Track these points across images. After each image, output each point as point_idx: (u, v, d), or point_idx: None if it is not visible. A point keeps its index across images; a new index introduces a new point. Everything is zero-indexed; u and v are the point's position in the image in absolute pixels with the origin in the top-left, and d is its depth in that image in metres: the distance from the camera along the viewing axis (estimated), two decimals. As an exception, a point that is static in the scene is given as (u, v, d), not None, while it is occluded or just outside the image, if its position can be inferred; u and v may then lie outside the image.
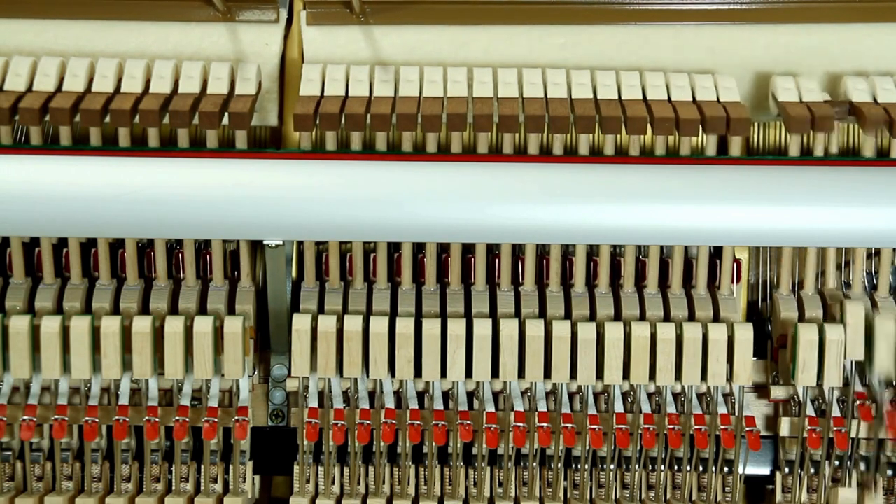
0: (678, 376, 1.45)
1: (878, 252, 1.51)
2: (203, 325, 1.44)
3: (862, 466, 1.50)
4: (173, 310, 1.49)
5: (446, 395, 1.49)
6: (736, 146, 1.45)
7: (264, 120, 1.54)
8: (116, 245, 1.50)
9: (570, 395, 1.49)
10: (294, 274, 1.52)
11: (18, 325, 1.44)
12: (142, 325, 1.44)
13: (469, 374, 1.45)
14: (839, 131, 1.50)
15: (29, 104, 1.42)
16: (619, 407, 1.48)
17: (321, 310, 1.49)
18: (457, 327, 1.45)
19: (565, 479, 1.53)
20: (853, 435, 1.47)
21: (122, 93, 1.45)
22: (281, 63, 1.54)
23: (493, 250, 1.51)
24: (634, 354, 1.45)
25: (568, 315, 1.48)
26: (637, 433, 1.48)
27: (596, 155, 1.46)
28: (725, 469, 1.52)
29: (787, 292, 1.52)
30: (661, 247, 1.49)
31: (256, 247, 1.50)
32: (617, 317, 1.49)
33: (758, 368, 1.53)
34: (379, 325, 1.45)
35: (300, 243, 1.51)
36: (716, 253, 1.50)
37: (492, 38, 1.52)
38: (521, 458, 1.52)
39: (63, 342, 1.44)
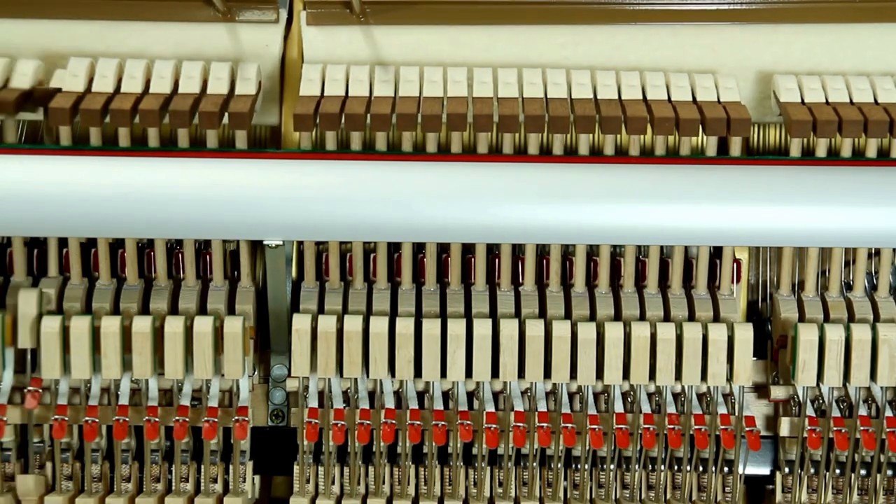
0: (678, 376, 1.45)
1: (878, 252, 1.51)
2: (203, 325, 1.44)
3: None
4: (173, 310, 1.49)
5: (446, 395, 1.49)
6: (736, 146, 1.45)
7: (264, 120, 1.54)
8: (116, 245, 1.50)
9: (570, 395, 1.49)
10: (294, 274, 1.52)
11: (18, 325, 1.44)
12: (142, 325, 1.44)
13: (469, 374, 1.45)
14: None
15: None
16: (619, 407, 1.48)
17: (321, 310, 1.49)
18: (457, 327, 1.45)
19: (565, 479, 1.53)
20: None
21: (122, 93, 1.45)
22: (281, 63, 1.54)
23: (493, 250, 1.51)
24: (634, 354, 1.45)
25: (568, 315, 1.48)
26: (637, 433, 1.48)
27: (596, 155, 1.46)
28: (725, 469, 1.52)
29: (788, 292, 1.52)
30: (661, 247, 1.50)
31: (256, 247, 1.50)
32: (617, 317, 1.49)
33: (758, 368, 1.53)
34: (379, 325, 1.45)
35: (300, 243, 1.51)
36: (716, 253, 1.50)
37: (492, 38, 1.52)
38: (521, 458, 1.52)
39: (63, 342, 1.44)
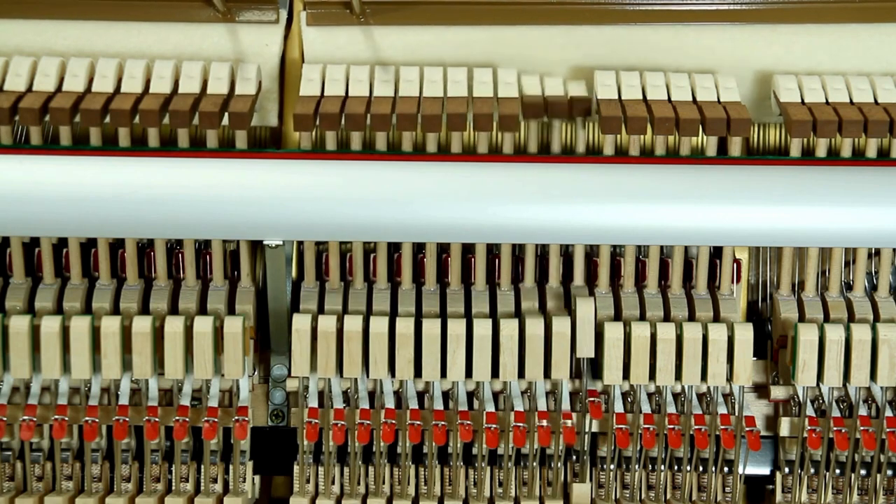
0: (678, 376, 1.45)
1: (878, 252, 1.51)
2: (203, 325, 1.44)
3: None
4: (173, 310, 1.49)
5: (446, 395, 1.49)
6: (736, 146, 1.45)
7: (264, 120, 1.54)
8: (116, 245, 1.50)
9: (571, 395, 1.49)
10: (294, 274, 1.52)
11: (18, 325, 1.44)
12: (142, 325, 1.44)
13: (469, 374, 1.45)
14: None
15: (29, 104, 1.42)
16: (619, 407, 1.48)
17: (321, 310, 1.49)
18: (457, 327, 1.45)
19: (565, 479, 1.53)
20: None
21: (122, 93, 1.45)
22: (281, 63, 1.54)
23: (493, 250, 1.51)
24: (634, 354, 1.45)
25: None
26: (637, 433, 1.48)
27: (596, 155, 1.46)
28: (725, 469, 1.52)
29: (788, 292, 1.52)
30: (661, 247, 1.50)
31: (256, 247, 1.50)
32: (617, 317, 1.49)
33: (758, 368, 1.53)
34: (379, 325, 1.45)
35: (300, 243, 1.51)
36: (716, 253, 1.50)
37: (492, 38, 1.52)
38: (521, 458, 1.52)
39: (63, 342, 1.44)
